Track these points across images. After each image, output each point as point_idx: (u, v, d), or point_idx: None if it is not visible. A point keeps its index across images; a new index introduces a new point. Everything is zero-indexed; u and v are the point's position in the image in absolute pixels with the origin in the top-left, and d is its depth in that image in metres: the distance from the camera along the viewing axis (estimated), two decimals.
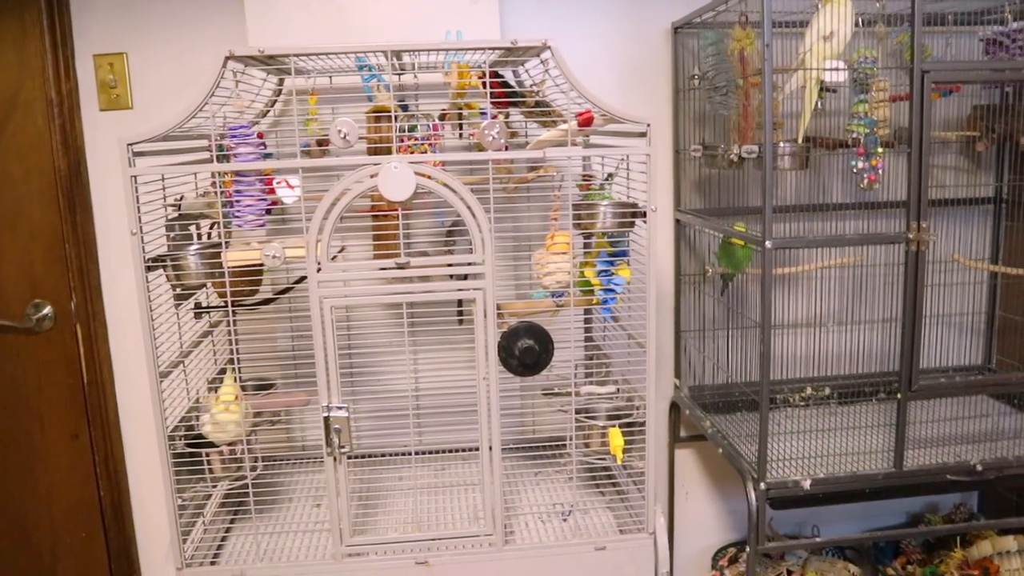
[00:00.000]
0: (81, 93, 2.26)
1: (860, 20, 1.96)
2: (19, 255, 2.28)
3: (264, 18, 2.06)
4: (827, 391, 2.38)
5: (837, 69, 1.87)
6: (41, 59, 2.18)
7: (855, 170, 1.94)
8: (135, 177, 1.59)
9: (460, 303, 2.03)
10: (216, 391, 1.82)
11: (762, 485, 1.89)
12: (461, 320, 2.04)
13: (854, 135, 1.94)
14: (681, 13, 2.31)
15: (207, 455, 1.79)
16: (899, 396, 1.92)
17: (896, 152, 1.99)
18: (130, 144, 1.58)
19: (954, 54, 2.22)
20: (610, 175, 1.93)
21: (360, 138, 1.64)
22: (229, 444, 1.79)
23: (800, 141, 1.96)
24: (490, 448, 1.72)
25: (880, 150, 1.91)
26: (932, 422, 2.20)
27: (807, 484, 1.91)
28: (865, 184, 1.93)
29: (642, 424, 1.82)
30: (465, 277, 1.66)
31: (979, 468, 1.96)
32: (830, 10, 1.85)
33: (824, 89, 1.91)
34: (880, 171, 1.91)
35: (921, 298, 1.86)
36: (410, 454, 1.81)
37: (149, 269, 1.65)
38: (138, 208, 1.60)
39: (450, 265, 1.65)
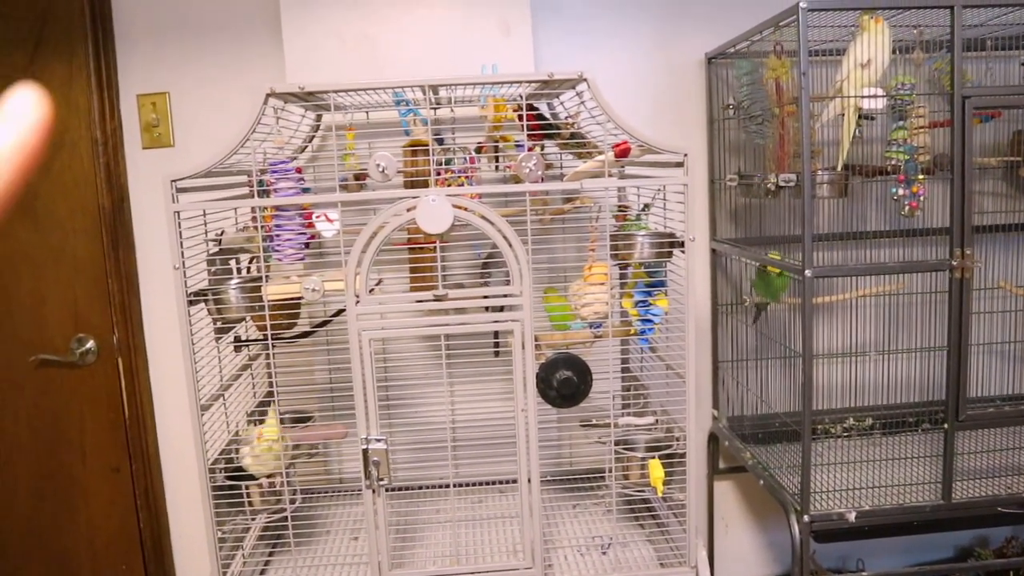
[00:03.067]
0: (124, 132, 2.32)
1: (897, 47, 1.95)
2: (63, 290, 2.33)
3: (302, 56, 2.10)
4: (869, 421, 2.34)
5: (875, 96, 1.86)
6: (87, 99, 2.24)
7: (895, 197, 1.92)
8: (178, 213, 1.61)
9: (497, 334, 2.03)
10: (257, 424, 1.82)
11: (806, 518, 1.86)
12: (498, 352, 2.04)
13: (893, 162, 1.92)
14: (714, 44, 2.32)
15: (247, 488, 1.79)
16: (946, 426, 1.88)
17: (937, 179, 1.97)
18: (174, 180, 1.60)
19: (993, 79, 2.20)
20: (646, 205, 1.93)
21: (398, 172, 1.65)
22: (268, 477, 1.80)
23: (840, 169, 1.94)
24: (528, 480, 1.70)
25: (921, 176, 1.89)
26: (980, 453, 2.15)
27: (852, 516, 1.87)
28: (907, 211, 1.90)
29: (682, 455, 1.80)
30: (501, 308, 1.66)
31: None
32: (867, 37, 1.84)
33: (862, 116, 1.90)
34: (921, 198, 1.89)
35: (967, 326, 1.83)
36: (448, 486, 1.80)
37: (191, 303, 1.67)
38: (180, 243, 1.62)
39: (487, 297, 1.65)
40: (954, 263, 1.81)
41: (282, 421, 1.83)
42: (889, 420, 2.32)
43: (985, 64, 2.19)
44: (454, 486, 1.80)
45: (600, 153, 1.77)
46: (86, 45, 2.20)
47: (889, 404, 2.38)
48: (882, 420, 2.33)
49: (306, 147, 2.16)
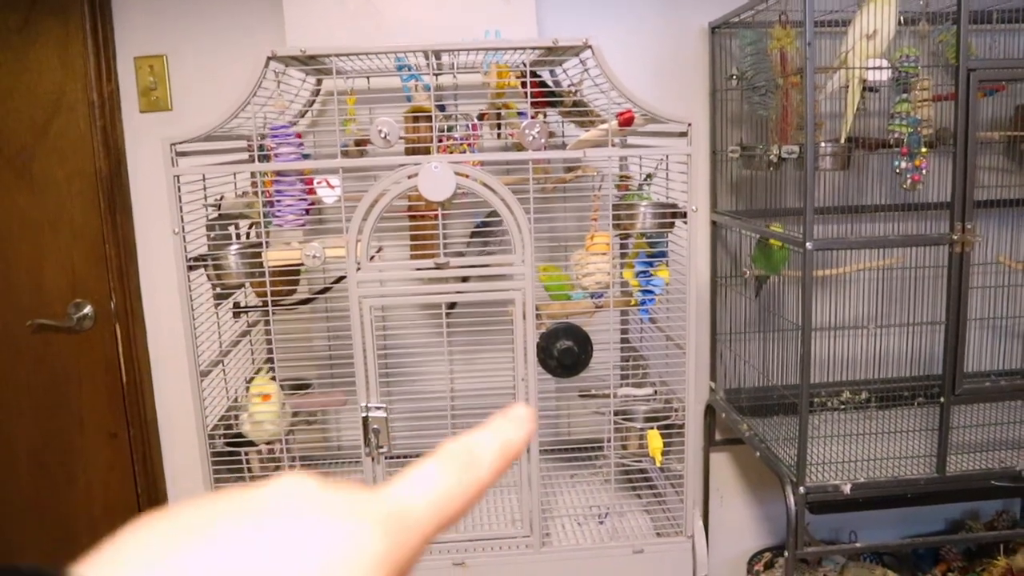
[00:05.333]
0: (122, 95, 2.29)
1: (903, 18, 1.94)
2: (61, 255, 2.31)
3: (302, 20, 2.07)
4: (865, 395, 2.35)
5: (880, 68, 1.85)
6: (83, 62, 2.21)
7: (898, 170, 1.91)
8: (178, 177, 1.60)
9: (453, 305, 2.02)
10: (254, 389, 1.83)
11: (801, 489, 1.87)
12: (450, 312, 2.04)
13: (896, 135, 1.91)
14: (718, 13, 2.29)
15: (246, 454, 1.80)
16: (942, 400, 1.89)
17: (939, 152, 1.96)
18: (173, 144, 1.59)
19: (998, 53, 2.18)
20: (649, 175, 1.92)
21: (400, 138, 1.64)
22: (268, 443, 1.80)
23: (843, 141, 1.93)
24: (527, 450, 1.71)
25: (924, 150, 1.88)
26: (975, 427, 2.16)
27: (847, 488, 1.88)
28: (908, 184, 1.90)
29: (680, 426, 1.81)
30: (466, 279, 1.66)
31: None
32: (873, 8, 1.82)
33: (866, 88, 1.89)
34: (924, 171, 1.89)
35: (965, 301, 1.83)
36: None
37: (190, 268, 1.66)
38: (180, 208, 1.61)
39: (488, 265, 1.65)
40: (955, 237, 1.81)
41: (281, 388, 1.83)
42: (886, 394, 2.33)
43: (990, 37, 2.17)
44: None
45: (603, 122, 1.76)
46: (82, 5, 2.17)
47: (886, 378, 2.38)
48: (879, 393, 2.34)
49: (306, 112, 2.14)
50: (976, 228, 1.82)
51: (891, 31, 1.84)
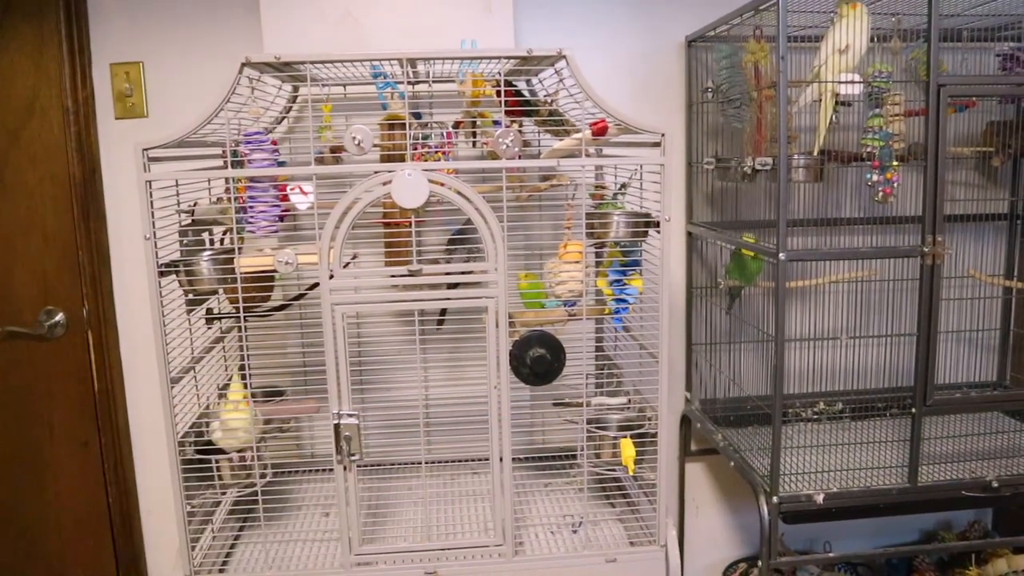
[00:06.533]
0: (97, 101, 2.28)
1: (876, 35, 1.96)
2: (32, 261, 2.29)
3: (280, 29, 2.07)
4: (839, 406, 2.37)
5: (853, 82, 1.87)
6: (58, 67, 2.19)
7: (870, 183, 1.93)
8: (150, 183, 1.59)
9: (443, 311, 2.03)
10: (225, 396, 1.81)
11: (775, 499, 1.88)
12: (440, 325, 2.05)
13: (869, 149, 1.93)
14: (695, 27, 2.32)
15: (216, 462, 1.78)
16: (913, 411, 1.91)
17: (910, 167, 1.99)
18: (146, 149, 1.58)
19: (969, 70, 2.21)
20: (623, 185, 1.93)
21: (374, 146, 1.64)
22: (239, 451, 1.79)
23: (816, 153, 1.95)
24: (500, 459, 1.70)
25: (895, 163, 1.91)
26: (946, 438, 2.18)
27: (820, 498, 1.89)
28: (880, 197, 1.92)
29: (654, 435, 1.81)
30: (456, 286, 1.66)
31: (995, 484, 1.94)
32: (846, 24, 1.85)
33: (839, 103, 1.91)
34: (895, 184, 1.91)
35: (937, 313, 1.85)
36: (420, 464, 1.80)
37: (162, 274, 1.65)
38: (152, 213, 1.60)
39: (464, 273, 1.65)
40: (925, 250, 1.83)
41: (254, 396, 1.81)
42: (859, 405, 2.35)
43: (961, 55, 2.21)
44: (426, 464, 1.80)
45: (578, 132, 1.76)
46: (57, 10, 2.16)
47: (859, 389, 2.40)
48: (852, 405, 2.36)
49: (284, 118, 2.13)
50: (946, 241, 1.84)
51: (863, 46, 1.86)
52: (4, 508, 2.40)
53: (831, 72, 1.89)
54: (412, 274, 1.62)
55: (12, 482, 2.40)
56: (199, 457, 1.77)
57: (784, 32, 1.73)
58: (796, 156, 1.99)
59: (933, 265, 1.83)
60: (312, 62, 1.66)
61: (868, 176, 1.93)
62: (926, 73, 1.81)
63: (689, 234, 2.44)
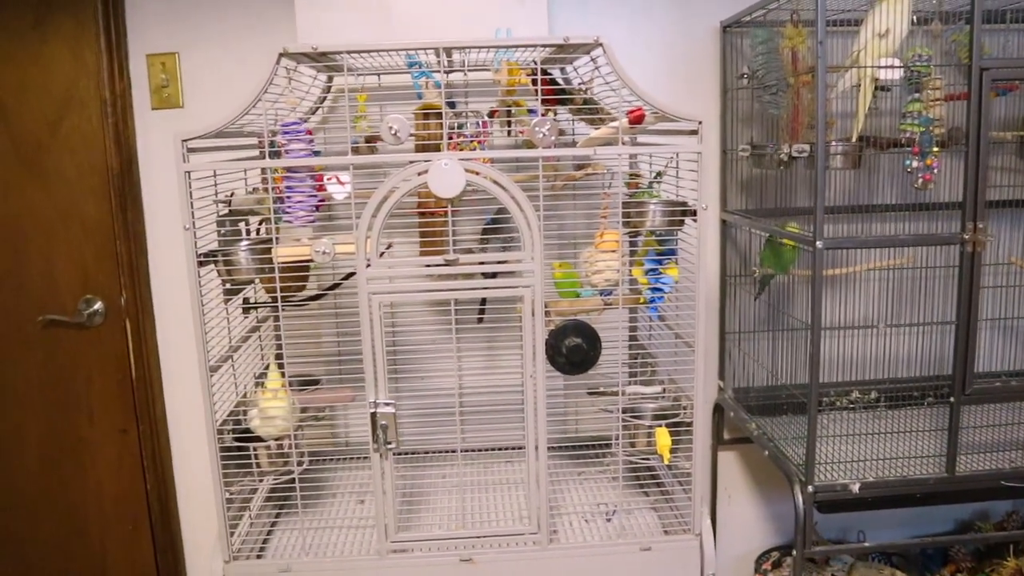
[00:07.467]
0: (133, 92, 2.30)
1: (916, 18, 1.93)
2: (72, 251, 2.32)
3: (314, 17, 2.07)
4: (874, 394, 2.34)
5: (892, 67, 1.84)
6: (95, 59, 2.22)
7: (909, 169, 1.90)
8: (189, 173, 1.61)
9: (483, 301, 2.03)
10: (263, 385, 1.83)
11: (810, 488, 1.87)
12: (481, 319, 2.04)
13: (908, 134, 1.90)
14: (730, 12, 2.29)
15: (254, 449, 1.80)
16: (952, 400, 1.88)
17: (951, 152, 1.95)
18: (184, 140, 1.59)
19: (1011, 52, 2.17)
20: (659, 173, 1.92)
21: (410, 135, 1.64)
22: (276, 439, 1.81)
23: (854, 140, 1.93)
24: (536, 447, 1.71)
25: (936, 149, 1.87)
26: (985, 427, 2.15)
27: (856, 488, 1.88)
28: (920, 184, 1.89)
29: (689, 424, 1.81)
30: (495, 275, 1.66)
31: None
32: (886, 7, 1.82)
33: (878, 88, 1.88)
34: (935, 171, 1.88)
35: (976, 300, 1.82)
36: (455, 452, 1.81)
37: (200, 264, 1.66)
38: (191, 203, 1.62)
39: (500, 262, 1.65)
40: (966, 237, 1.80)
41: (290, 384, 1.83)
42: (895, 393, 2.32)
43: (1003, 36, 2.16)
44: (461, 452, 1.81)
45: (614, 120, 1.75)
46: (95, 3, 2.18)
47: (895, 377, 2.37)
48: (888, 393, 2.33)
49: (318, 108, 2.14)
50: (988, 228, 1.81)
51: (904, 30, 1.83)
52: (47, 492, 2.46)
53: (871, 57, 1.86)
54: (449, 263, 1.62)
55: (54, 467, 2.44)
56: (237, 444, 1.79)
57: (823, 16, 1.70)
58: (834, 143, 1.96)
59: (974, 252, 1.80)
60: (349, 52, 1.67)
61: (907, 162, 1.90)
62: (967, 56, 1.77)
63: (723, 222, 2.42)
